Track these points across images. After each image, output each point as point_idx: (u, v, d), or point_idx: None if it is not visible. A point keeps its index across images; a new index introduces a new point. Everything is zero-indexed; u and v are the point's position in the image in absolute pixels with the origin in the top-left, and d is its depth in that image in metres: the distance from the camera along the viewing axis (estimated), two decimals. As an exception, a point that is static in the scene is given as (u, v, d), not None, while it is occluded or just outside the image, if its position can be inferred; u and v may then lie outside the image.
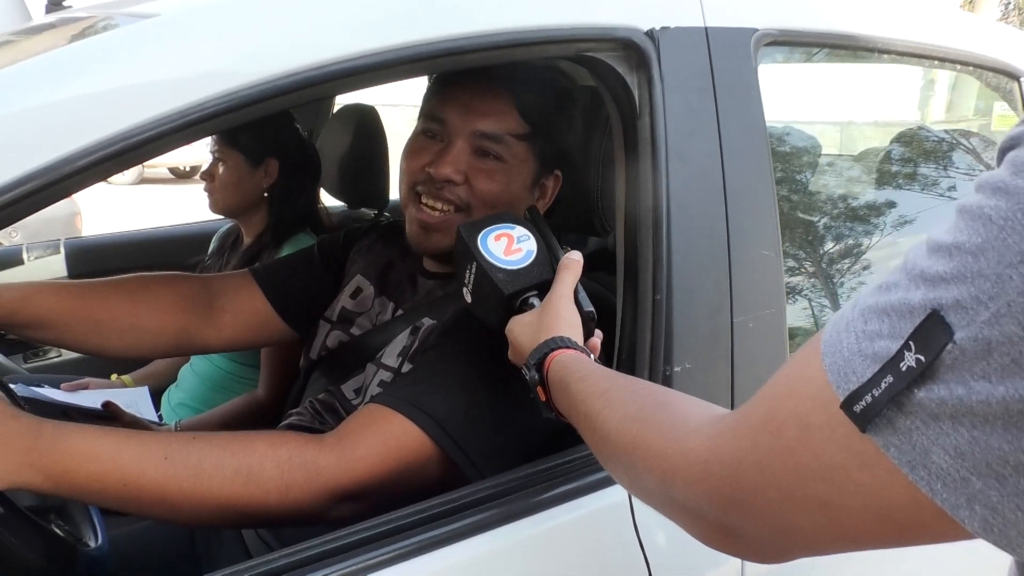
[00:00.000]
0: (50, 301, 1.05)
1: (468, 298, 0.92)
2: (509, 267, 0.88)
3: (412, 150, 1.07)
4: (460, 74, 1.05)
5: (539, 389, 0.78)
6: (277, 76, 0.70)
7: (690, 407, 0.58)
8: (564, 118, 1.11)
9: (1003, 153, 0.37)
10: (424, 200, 1.04)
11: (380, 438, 0.87)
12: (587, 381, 0.70)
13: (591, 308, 0.85)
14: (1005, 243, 0.33)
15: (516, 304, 0.88)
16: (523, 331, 0.84)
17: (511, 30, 0.83)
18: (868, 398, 0.37)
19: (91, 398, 1.58)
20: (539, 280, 0.88)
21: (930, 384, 0.35)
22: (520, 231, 0.91)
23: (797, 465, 0.42)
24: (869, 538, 0.41)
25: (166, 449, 0.80)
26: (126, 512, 0.85)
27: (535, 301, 0.87)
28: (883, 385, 0.36)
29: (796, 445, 0.42)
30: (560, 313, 0.83)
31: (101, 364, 1.97)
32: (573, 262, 0.88)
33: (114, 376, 1.87)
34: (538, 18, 0.85)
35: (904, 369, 0.36)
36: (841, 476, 0.40)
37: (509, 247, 0.89)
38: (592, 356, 0.80)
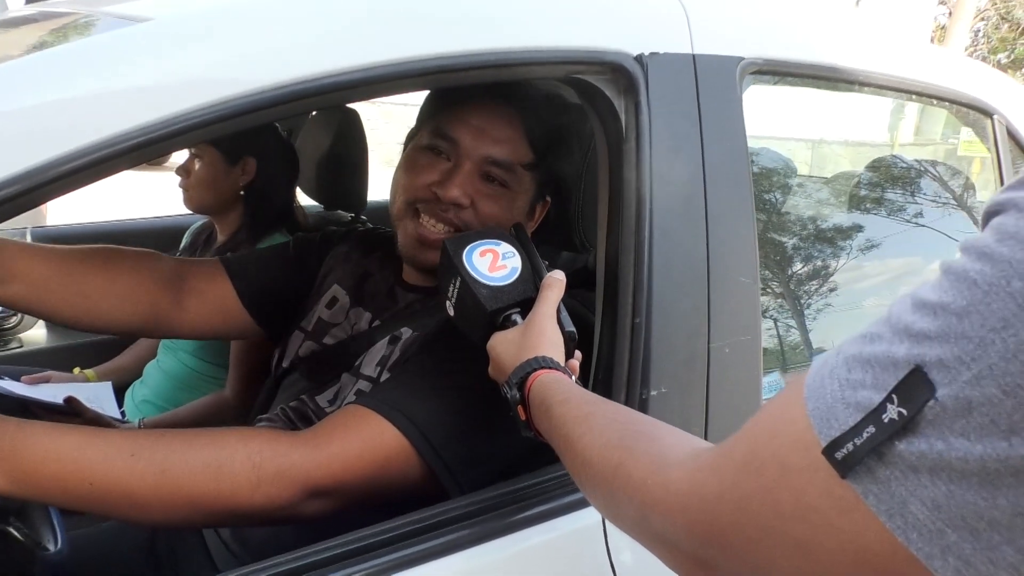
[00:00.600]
0: (39, 264, 1.01)
1: (451, 311, 0.93)
2: (493, 283, 0.88)
3: (415, 165, 1.05)
4: (471, 94, 1.05)
5: (519, 408, 0.78)
6: (273, 87, 0.70)
7: (672, 439, 0.59)
8: (565, 149, 1.11)
9: (988, 217, 0.38)
10: (424, 218, 1.04)
11: (357, 436, 0.86)
12: (568, 404, 0.70)
13: (573, 328, 0.86)
14: (989, 308, 0.34)
15: (499, 320, 0.88)
16: (505, 348, 0.84)
17: (503, 50, 0.83)
18: (850, 446, 0.38)
19: (52, 392, 1.55)
20: (522, 297, 0.88)
21: (911, 437, 0.36)
22: (505, 247, 0.92)
23: (776, 505, 0.43)
24: None
25: (132, 446, 0.79)
26: (91, 512, 0.83)
27: (517, 318, 0.88)
28: (865, 435, 0.37)
29: (776, 485, 0.43)
30: (543, 332, 0.83)
31: (64, 357, 1.93)
32: (557, 281, 0.89)
33: (77, 370, 1.84)
34: (530, 39, 0.85)
35: (886, 421, 0.37)
36: (820, 518, 0.40)
37: (494, 263, 0.90)
38: (572, 377, 0.80)
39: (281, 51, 0.72)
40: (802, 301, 1.42)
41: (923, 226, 1.58)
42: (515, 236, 0.95)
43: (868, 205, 1.66)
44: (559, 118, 1.10)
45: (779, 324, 1.36)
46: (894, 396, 0.37)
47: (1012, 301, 0.34)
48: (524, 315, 0.87)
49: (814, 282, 1.45)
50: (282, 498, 0.82)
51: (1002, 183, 1.41)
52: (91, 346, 2.00)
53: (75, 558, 1.01)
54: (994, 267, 0.35)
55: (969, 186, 1.74)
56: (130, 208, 2.80)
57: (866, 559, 0.39)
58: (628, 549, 0.85)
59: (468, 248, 0.90)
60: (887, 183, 1.68)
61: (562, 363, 0.81)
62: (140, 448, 0.78)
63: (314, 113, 1.91)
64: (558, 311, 0.86)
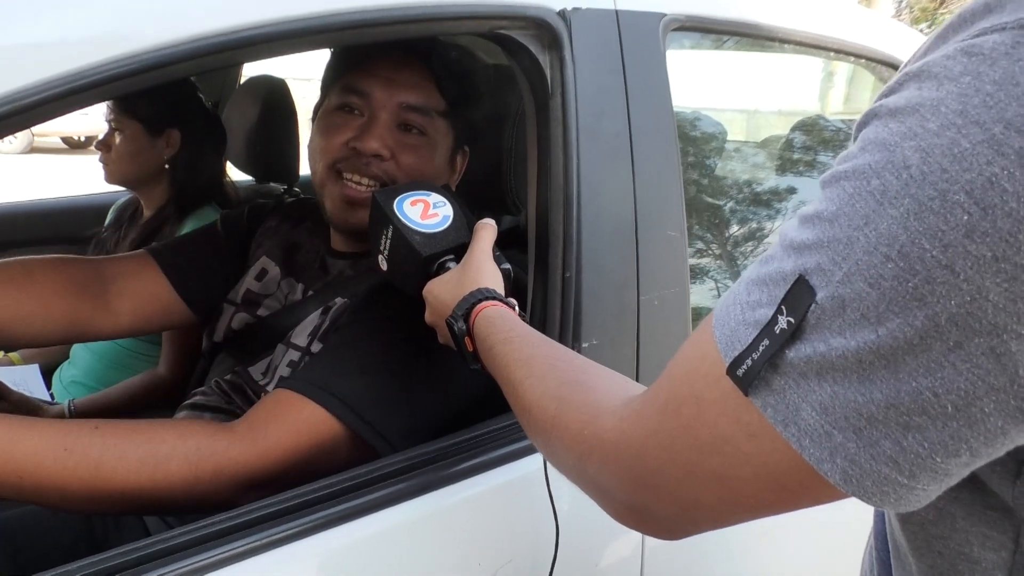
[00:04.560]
0: None
1: (384, 265, 0.92)
2: (427, 230, 0.88)
3: (330, 126, 1.04)
4: (376, 48, 1.03)
5: (467, 340, 0.78)
6: (180, 41, 0.67)
7: (606, 386, 0.59)
8: (475, 96, 1.11)
9: (858, 129, 0.39)
10: (347, 176, 1.02)
11: (291, 425, 0.85)
12: (510, 344, 0.70)
13: (508, 266, 0.86)
14: (853, 208, 0.36)
15: (433, 268, 0.88)
16: (444, 289, 0.84)
17: (425, 4, 0.82)
18: (748, 362, 0.40)
19: (-25, 378, 1.50)
20: (457, 243, 0.89)
21: (798, 344, 0.38)
22: (436, 197, 0.92)
23: (696, 441, 0.44)
24: (764, 506, 0.43)
25: (65, 440, 0.77)
26: (21, 501, 0.81)
27: (452, 265, 0.88)
28: (760, 348, 0.39)
29: (694, 422, 0.44)
30: (481, 268, 0.83)
31: (-14, 342, 1.86)
32: (489, 225, 0.90)
33: (1, 354, 1.77)
34: (452, -7, 0.84)
35: (778, 332, 0.38)
36: (733, 448, 0.42)
37: (426, 212, 0.90)
38: (516, 309, 0.79)
39: (190, 4, 0.70)
40: (736, 259, 1.45)
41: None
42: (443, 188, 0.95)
43: (794, 166, 1.70)
44: (467, 68, 1.10)
45: (713, 280, 1.39)
46: (783, 307, 0.39)
47: (872, 199, 0.36)
48: (458, 262, 0.87)
49: (747, 240, 1.49)
50: (219, 494, 0.81)
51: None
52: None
53: (4, 539, 0.99)
54: (856, 171, 0.37)
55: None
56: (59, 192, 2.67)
57: (778, 481, 0.41)
58: (568, 496, 0.87)
59: (399, 198, 0.90)
60: (814, 145, 1.72)
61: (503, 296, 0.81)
62: (74, 443, 0.77)
63: (241, 83, 1.86)
64: (493, 250, 0.87)
